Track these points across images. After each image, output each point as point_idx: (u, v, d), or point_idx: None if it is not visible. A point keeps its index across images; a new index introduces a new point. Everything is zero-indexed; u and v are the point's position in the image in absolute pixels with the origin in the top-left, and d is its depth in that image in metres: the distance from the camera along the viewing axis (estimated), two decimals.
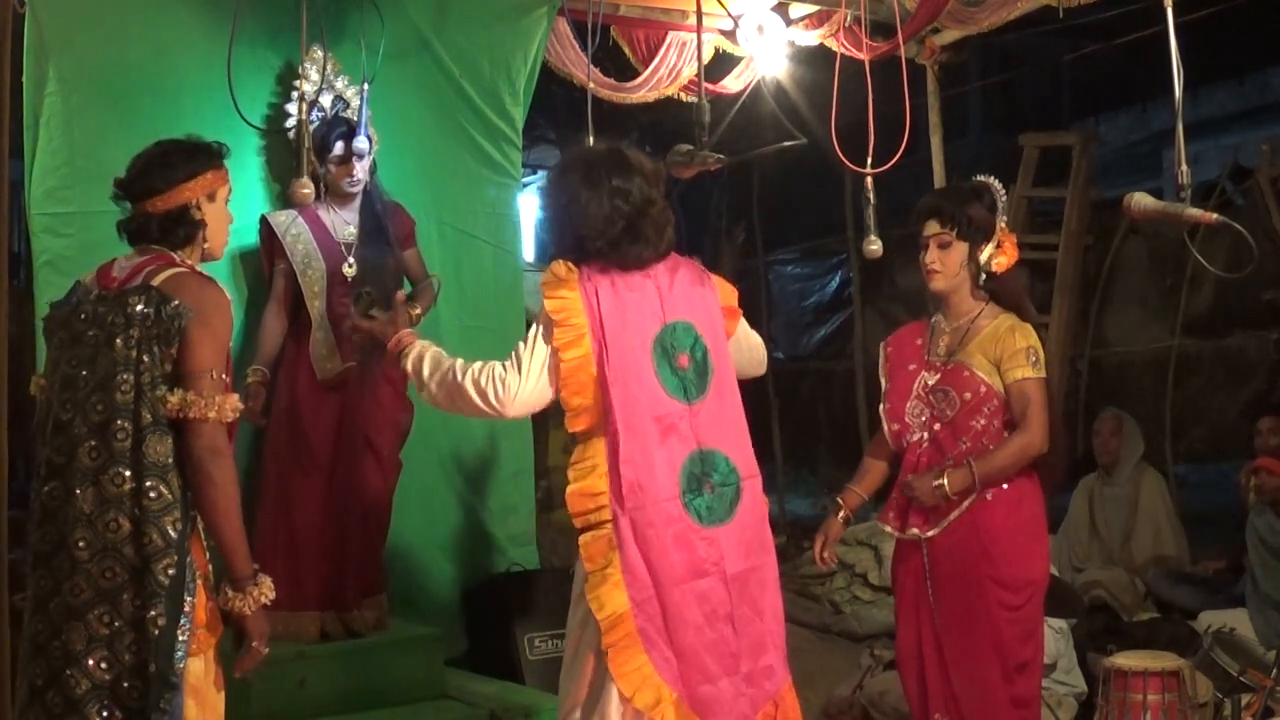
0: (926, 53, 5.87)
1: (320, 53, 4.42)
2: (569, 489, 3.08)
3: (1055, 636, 5.00)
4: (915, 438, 3.73)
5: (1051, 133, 9.36)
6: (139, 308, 2.75)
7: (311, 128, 4.15)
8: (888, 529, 3.80)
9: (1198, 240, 3.46)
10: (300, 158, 3.76)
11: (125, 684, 2.68)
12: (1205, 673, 4.69)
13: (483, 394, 3.08)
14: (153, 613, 2.66)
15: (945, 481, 3.58)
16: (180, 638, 2.70)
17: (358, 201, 4.47)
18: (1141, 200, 3.19)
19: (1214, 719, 4.59)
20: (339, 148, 4.36)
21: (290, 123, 4.44)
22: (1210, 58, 11.80)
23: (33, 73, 4.09)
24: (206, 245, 2.96)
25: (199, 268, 2.93)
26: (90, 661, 2.68)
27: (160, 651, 2.67)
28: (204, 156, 2.93)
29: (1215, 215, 3.18)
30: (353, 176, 4.38)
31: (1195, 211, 3.14)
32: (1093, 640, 5.23)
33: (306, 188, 3.73)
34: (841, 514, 3.89)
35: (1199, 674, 4.59)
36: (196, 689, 2.77)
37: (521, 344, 3.10)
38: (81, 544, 2.71)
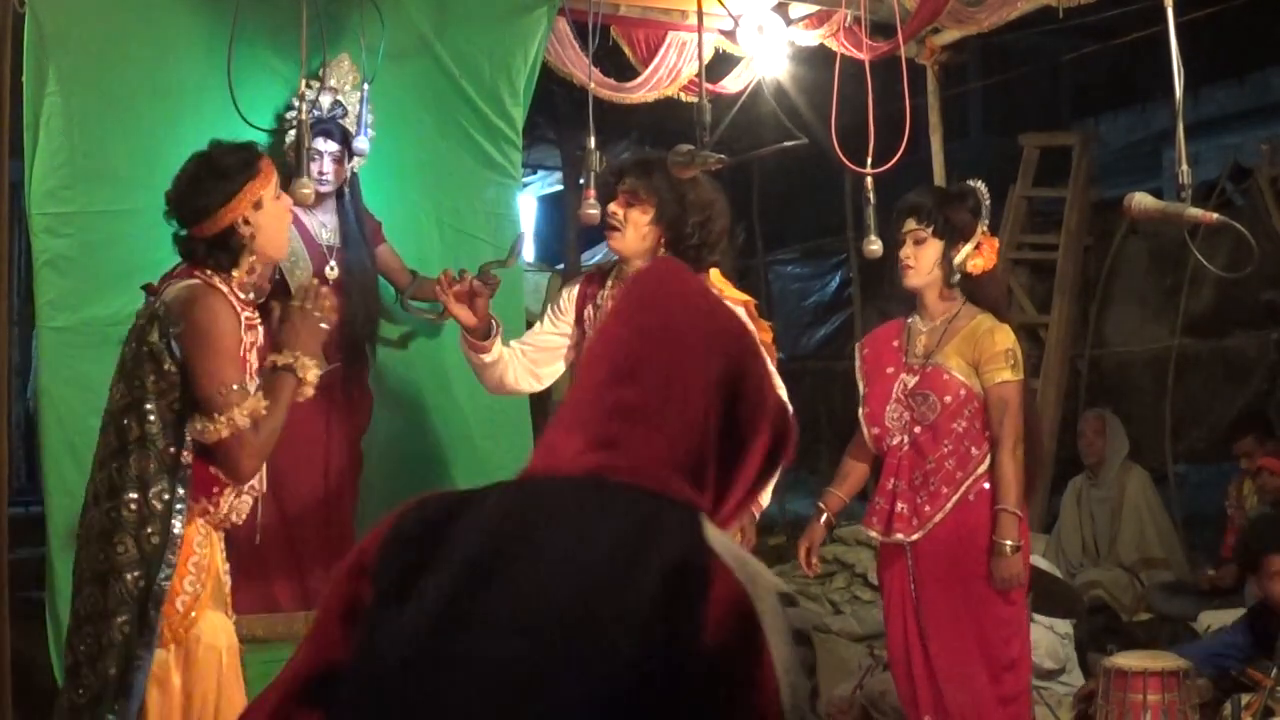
0: (926, 53, 5.86)
1: (340, 62, 4.41)
2: None
3: (1057, 638, 4.99)
4: (895, 441, 3.74)
5: (1051, 133, 9.33)
6: (140, 322, 2.83)
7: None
8: (872, 534, 3.80)
9: (1198, 240, 3.45)
10: (300, 158, 3.76)
11: (84, 670, 2.73)
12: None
13: None
14: (120, 619, 2.69)
15: (1006, 544, 3.57)
16: (140, 651, 2.70)
17: (332, 204, 4.44)
18: (1142, 200, 3.18)
19: (1214, 719, 4.59)
20: (319, 143, 4.34)
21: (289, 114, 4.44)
22: (1210, 58, 11.77)
23: (33, 73, 4.08)
24: (261, 252, 2.90)
25: (253, 275, 2.92)
26: (75, 638, 2.77)
27: (120, 656, 2.68)
28: (235, 173, 2.86)
29: (1215, 215, 3.18)
30: (323, 174, 4.36)
31: (1195, 211, 3.13)
32: (1093, 640, 5.23)
33: (306, 188, 3.73)
34: (824, 517, 3.90)
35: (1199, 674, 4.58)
36: (160, 679, 2.78)
37: None
38: (82, 530, 2.83)
